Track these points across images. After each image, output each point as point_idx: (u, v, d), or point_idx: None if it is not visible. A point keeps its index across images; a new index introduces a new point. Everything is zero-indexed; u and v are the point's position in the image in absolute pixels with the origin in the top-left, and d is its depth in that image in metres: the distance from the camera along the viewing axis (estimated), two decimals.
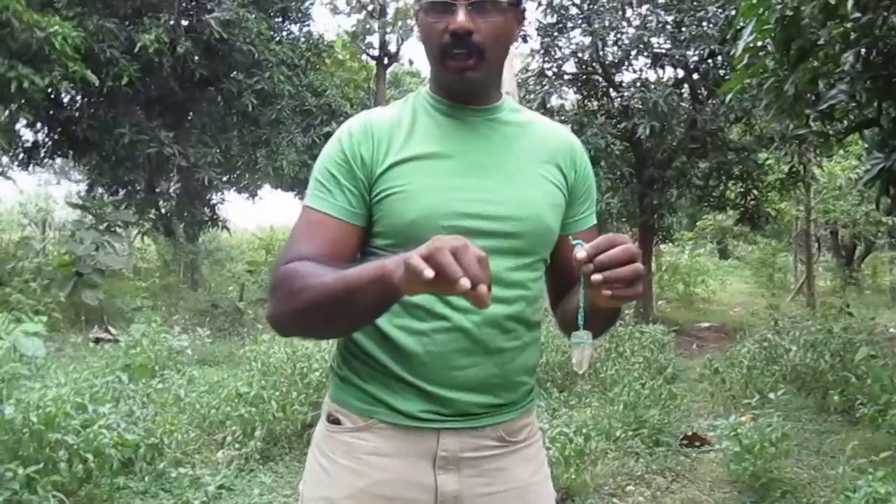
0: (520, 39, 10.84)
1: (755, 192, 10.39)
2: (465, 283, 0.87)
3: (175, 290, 10.56)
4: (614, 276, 0.96)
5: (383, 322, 1.19)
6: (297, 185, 12.68)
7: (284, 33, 12.29)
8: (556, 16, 9.73)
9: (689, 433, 4.61)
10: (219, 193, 12.95)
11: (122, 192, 11.54)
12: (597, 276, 0.96)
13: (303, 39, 12.44)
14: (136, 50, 9.15)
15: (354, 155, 1.20)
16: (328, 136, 9.13)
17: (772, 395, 4.66)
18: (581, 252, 0.98)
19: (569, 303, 1.25)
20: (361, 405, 1.22)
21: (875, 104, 3.62)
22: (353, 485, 1.20)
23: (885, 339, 8.41)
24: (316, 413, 4.23)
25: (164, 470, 3.61)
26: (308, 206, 1.22)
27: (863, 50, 3.51)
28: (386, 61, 16.82)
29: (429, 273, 0.88)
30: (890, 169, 3.35)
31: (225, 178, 12.54)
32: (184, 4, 10.06)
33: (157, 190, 12.20)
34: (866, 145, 3.93)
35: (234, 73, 10.84)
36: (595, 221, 1.36)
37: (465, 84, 1.21)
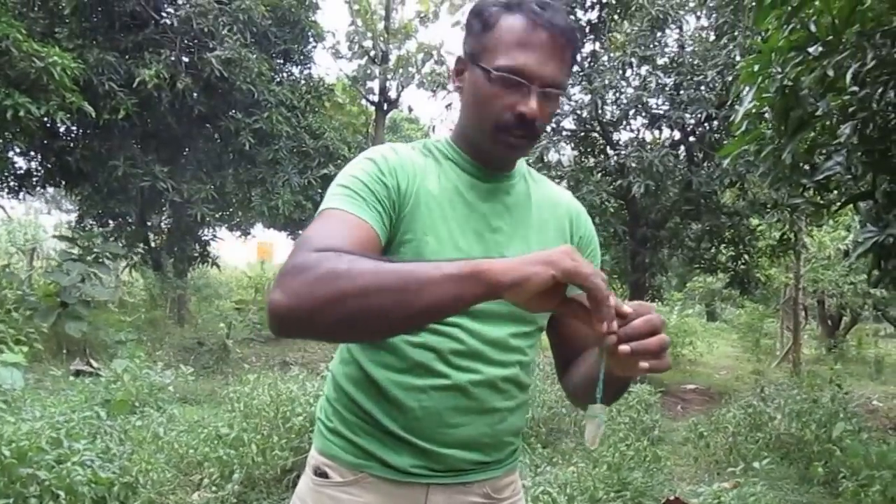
0: None
1: (746, 256, 10.47)
2: (602, 288, 0.89)
3: (161, 326, 10.45)
4: (641, 348, 0.91)
5: (380, 376, 1.17)
6: (291, 224, 12.69)
7: (285, 74, 12.42)
8: None
9: (672, 497, 4.53)
10: (210, 230, 12.90)
11: (112, 224, 11.48)
12: (624, 348, 0.90)
13: (303, 81, 12.57)
14: (134, 84, 9.21)
15: (393, 179, 1.16)
16: (325, 177, 9.14)
17: (756, 465, 4.61)
18: (604, 325, 0.93)
19: (578, 374, 1.24)
20: (352, 459, 1.20)
21: (870, 177, 3.66)
22: None
23: (867, 411, 8.38)
24: (297, 459, 4.14)
25: None
26: (337, 209, 1.10)
27: (860, 123, 3.57)
28: (385, 107, 16.99)
29: (612, 300, 0.88)
30: (882, 243, 3.36)
31: (218, 216, 12.49)
32: (185, 41, 10.16)
33: (149, 224, 12.15)
34: (860, 217, 3.96)
35: (233, 111, 10.91)
36: None
37: (510, 160, 1.25)
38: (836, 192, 4.31)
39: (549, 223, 1.28)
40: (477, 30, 1.18)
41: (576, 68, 9.90)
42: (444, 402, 1.17)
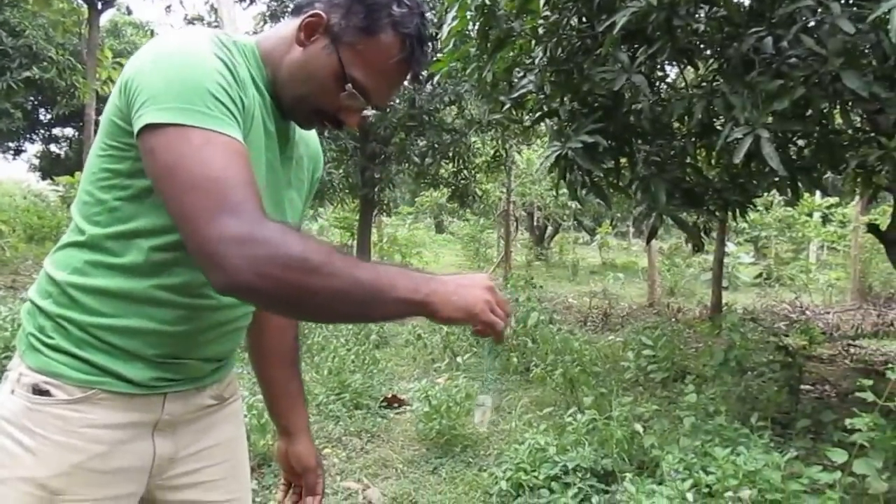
0: (247, 0, 10.39)
1: (465, 172, 11.16)
2: (503, 333, 1.05)
3: None
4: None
5: (144, 292, 1.09)
6: None
7: None
8: None
9: (389, 395, 4.84)
10: None
11: None
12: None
13: None
14: None
15: (243, 94, 1.03)
16: (28, 81, 7.95)
17: (460, 359, 5.06)
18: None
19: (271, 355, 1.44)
20: (80, 375, 1.09)
21: (558, 96, 4.03)
22: (65, 461, 1.09)
23: (564, 307, 9.55)
24: None
25: None
26: (223, 134, 0.96)
27: (550, 46, 3.89)
28: (100, 6, 15.03)
29: (501, 325, 1.04)
30: (565, 156, 3.75)
31: None
32: None
33: None
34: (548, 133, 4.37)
35: None
36: None
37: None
38: (533, 111, 4.70)
39: (303, 160, 1.28)
40: (356, 21, 1.08)
41: None
42: (206, 321, 1.15)
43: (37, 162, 21.99)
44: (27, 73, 10.39)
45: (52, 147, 22.01)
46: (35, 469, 1.08)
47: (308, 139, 1.31)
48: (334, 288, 0.91)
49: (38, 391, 1.10)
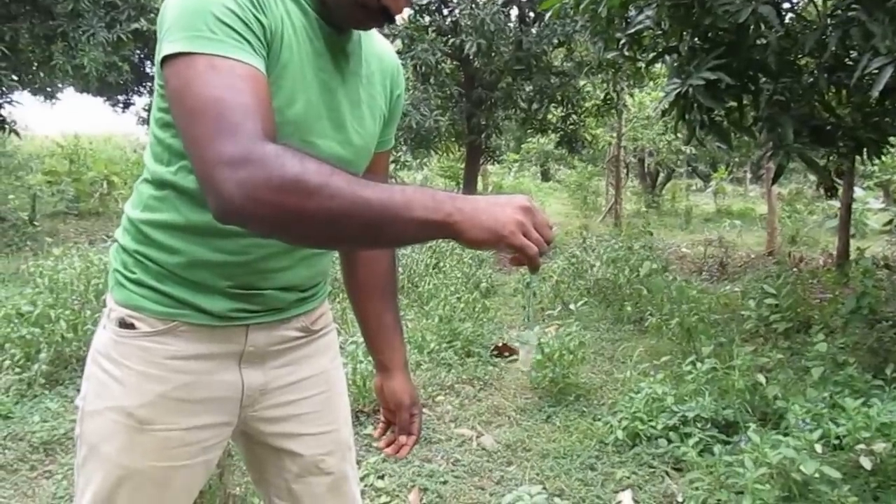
0: None
1: (574, 116, 10.86)
2: (537, 259, 0.91)
3: None
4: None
5: (204, 222, 1.08)
6: (105, 89, 11.47)
7: None
8: None
9: (499, 344, 4.84)
10: (4, 92, 11.44)
11: None
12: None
13: None
14: None
15: (263, 15, 0.99)
16: (136, 33, 8.15)
17: (572, 307, 4.98)
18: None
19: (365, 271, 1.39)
20: (162, 308, 1.13)
21: (677, 32, 3.81)
22: (150, 391, 1.13)
23: (676, 257, 9.24)
24: None
25: None
26: (229, 58, 0.92)
27: None
28: None
29: (534, 250, 0.90)
30: (685, 94, 3.55)
31: (15, 77, 11.09)
32: None
33: None
34: (667, 72, 4.15)
35: None
36: None
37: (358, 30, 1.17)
38: (649, 49, 4.47)
39: (375, 76, 1.23)
40: None
41: None
42: (271, 248, 1.14)
43: (145, 115, 22.83)
44: (136, 25, 10.68)
45: None
46: (123, 399, 1.13)
47: (382, 54, 1.26)
48: (335, 210, 0.84)
49: (124, 324, 1.14)
